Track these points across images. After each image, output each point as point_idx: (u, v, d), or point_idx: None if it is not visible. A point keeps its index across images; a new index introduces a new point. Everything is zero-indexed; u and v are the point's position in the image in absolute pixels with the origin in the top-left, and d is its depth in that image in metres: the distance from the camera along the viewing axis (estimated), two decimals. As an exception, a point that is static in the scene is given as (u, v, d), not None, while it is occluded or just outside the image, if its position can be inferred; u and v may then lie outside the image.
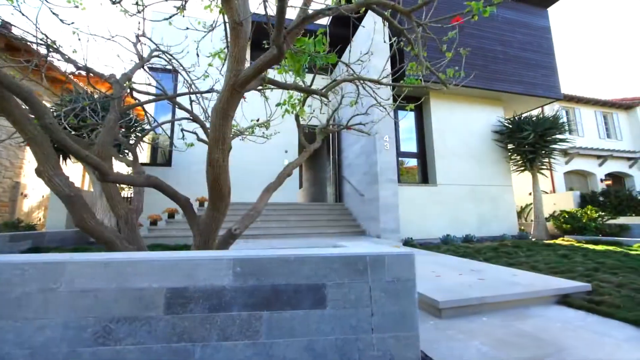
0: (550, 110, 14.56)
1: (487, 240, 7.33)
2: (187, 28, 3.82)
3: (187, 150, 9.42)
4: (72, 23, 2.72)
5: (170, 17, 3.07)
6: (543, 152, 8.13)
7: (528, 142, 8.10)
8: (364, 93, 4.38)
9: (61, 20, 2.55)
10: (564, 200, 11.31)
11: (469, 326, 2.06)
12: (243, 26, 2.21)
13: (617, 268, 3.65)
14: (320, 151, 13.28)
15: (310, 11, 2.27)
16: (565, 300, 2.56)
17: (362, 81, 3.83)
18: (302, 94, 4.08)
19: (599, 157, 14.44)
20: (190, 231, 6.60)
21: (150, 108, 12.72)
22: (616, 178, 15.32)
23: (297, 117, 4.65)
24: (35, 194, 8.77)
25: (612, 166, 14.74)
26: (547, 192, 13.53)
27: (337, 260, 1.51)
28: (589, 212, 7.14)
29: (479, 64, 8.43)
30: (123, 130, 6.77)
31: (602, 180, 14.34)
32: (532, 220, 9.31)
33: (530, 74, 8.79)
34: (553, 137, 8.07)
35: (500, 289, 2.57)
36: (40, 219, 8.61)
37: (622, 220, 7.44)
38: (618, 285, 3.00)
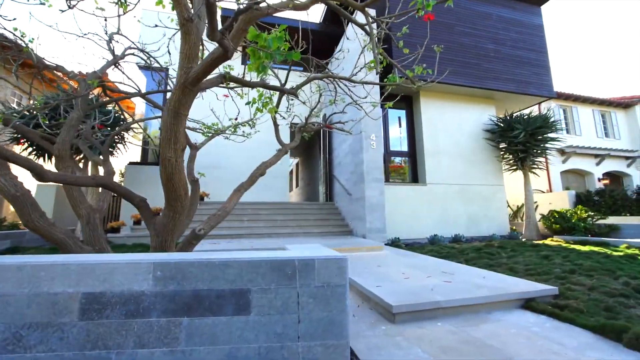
0: (545, 109, 14.41)
1: (476, 241, 7.24)
2: (156, 25, 3.76)
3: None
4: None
5: (128, 11, 3.01)
6: (534, 151, 8.01)
7: (519, 141, 7.99)
8: (345, 92, 4.32)
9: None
10: (559, 200, 11.20)
11: (419, 332, 2.00)
12: (193, 22, 2.15)
13: (593, 270, 3.57)
14: (314, 150, 13.21)
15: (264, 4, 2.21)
16: (529, 304, 2.49)
17: (337, 79, 3.76)
18: (276, 92, 4.00)
19: (596, 156, 14.28)
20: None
21: (143, 107, 12.71)
22: (614, 177, 15.15)
23: (273, 116, 4.59)
24: (24, 192, 8.76)
25: (610, 165, 14.57)
26: (543, 192, 13.40)
27: (264, 264, 1.45)
28: (578, 212, 7.03)
29: (471, 62, 8.32)
30: (108, 129, 6.73)
31: (599, 180, 14.18)
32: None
33: (522, 72, 8.66)
34: (544, 136, 7.95)
35: (462, 293, 2.50)
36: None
37: (612, 220, 7.33)
38: (590, 288, 2.93)
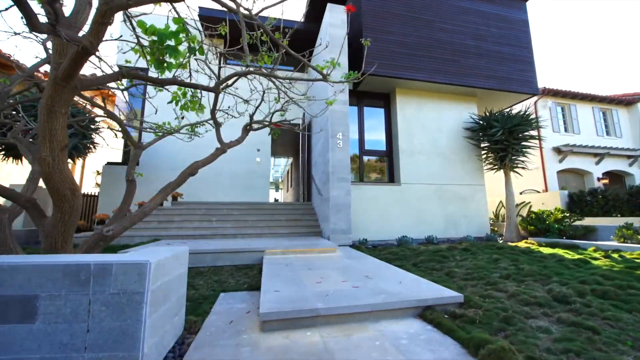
0: (542, 106, 13.87)
1: (450, 242, 7.00)
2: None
3: (158, 150, 9.46)
4: None
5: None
6: (514, 149, 7.69)
7: (497, 139, 7.69)
8: (280, 88, 4.22)
9: None
10: (551, 200, 10.77)
11: (278, 342, 1.89)
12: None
13: (531, 275, 3.35)
14: (301, 150, 13.12)
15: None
16: (426, 312, 2.33)
17: (271, 77, 3.66)
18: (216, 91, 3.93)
19: (595, 155, 13.68)
20: (143, 231, 6.58)
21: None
22: (616, 177, 14.48)
23: (212, 115, 4.52)
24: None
25: (611, 165, 13.93)
26: (539, 192, 12.92)
27: (56, 269, 1.38)
28: (554, 212, 6.69)
29: (450, 59, 8.06)
30: (76, 128, 6.78)
31: (598, 179, 13.58)
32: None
33: (504, 68, 8.33)
34: (524, 134, 7.62)
35: (354, 300, 2.36)
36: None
37: (589, 221, 6.95)
38: (510, 295, 2.73)
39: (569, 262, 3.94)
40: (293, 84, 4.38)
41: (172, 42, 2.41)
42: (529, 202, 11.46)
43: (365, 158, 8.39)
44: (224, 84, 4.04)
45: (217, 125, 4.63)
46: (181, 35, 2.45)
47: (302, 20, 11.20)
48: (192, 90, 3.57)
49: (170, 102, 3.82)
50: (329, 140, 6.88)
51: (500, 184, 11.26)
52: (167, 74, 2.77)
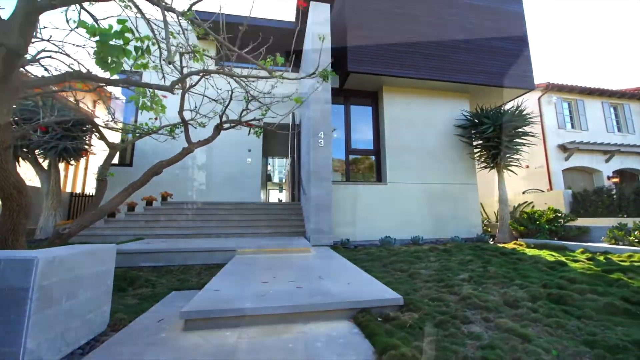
0: (547, 102, 13.34)
1: (436, 243, 6.81)
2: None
3: (150, 150, 9.65)
4: None
5: None
6: (507, 147, 7.41)
7: (488, 136, 7.44)
8: (242, 86, 4.20)
9: None
10: (554, 200, 10.35)
11: (192, 341, 1.87)
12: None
13: (494, 278, 3.21)
14: (290, 149, 13.12)
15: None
16: (359, 315, 2.26)
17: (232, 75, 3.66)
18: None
19: (605, 152, 13.05)
20: (130, 230, 6.72)
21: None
22: (631, 176, 13.77)
23: (180, 114, 4.56)
24: None
25: (623, 162, 13.26)
26: (543, 191, 12.43)
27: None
28: (547, 212, 6.40)
29: (438, 54, 7.86)
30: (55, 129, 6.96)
31: (609, 178, 12.96)
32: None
33: (496, 63, 8.05)
34: (516, 130, 7.34)
35: (287, 301, 2.32)
36: None
37: (583, 222, 6.61)
38: (461, 298, 2.62)
39: (543, 265, 3.75)
40: (253, 82, 4.37)
41: (119, 42, 2.43)
42: (531, 202, 11.05)
43: (353, 157, 8.30)
44: (186, 84, 4.06)
45: (185, 125, 4.67)
46: (127, 35, 2.47)
47: (294, 21, 11.20)
48: (151, 90, 3.61)
49: (129, 101, 3.86)
50: (310, 139, 6.84)
51: (510, 184, 10.92)
52: (150, 74, 2.80)
